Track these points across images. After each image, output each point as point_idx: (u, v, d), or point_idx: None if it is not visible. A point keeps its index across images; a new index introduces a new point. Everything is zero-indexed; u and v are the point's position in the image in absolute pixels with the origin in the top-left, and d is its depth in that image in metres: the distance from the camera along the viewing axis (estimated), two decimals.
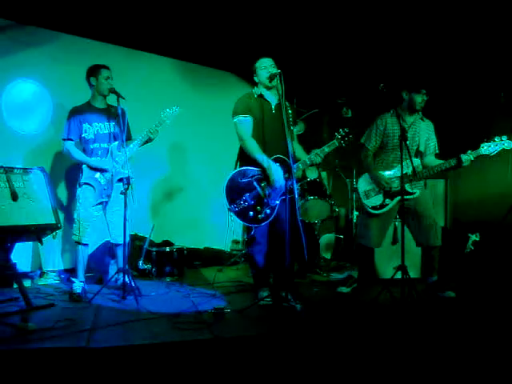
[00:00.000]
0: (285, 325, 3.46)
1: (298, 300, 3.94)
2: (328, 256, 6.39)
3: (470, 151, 4.29)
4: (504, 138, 4.29)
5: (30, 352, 2.85)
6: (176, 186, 6.49)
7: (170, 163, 6.56)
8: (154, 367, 2.90)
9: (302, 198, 5.92)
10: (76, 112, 4.58)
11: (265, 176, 4.07)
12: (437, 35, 5.70)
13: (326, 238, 6.41)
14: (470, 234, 5.56)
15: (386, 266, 5.07)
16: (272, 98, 4.27)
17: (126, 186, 4.24)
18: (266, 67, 4.20)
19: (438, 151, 4.70)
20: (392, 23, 5.67)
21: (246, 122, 4.20)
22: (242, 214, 4.09)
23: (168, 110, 4.66)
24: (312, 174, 6.50)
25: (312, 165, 4.28)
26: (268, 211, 4.07)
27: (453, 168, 4.37)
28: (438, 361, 3.41)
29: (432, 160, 4.62)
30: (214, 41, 6.32)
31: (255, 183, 4.11)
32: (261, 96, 4.27)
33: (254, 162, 4.10)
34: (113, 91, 4.43)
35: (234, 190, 4.11)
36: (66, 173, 5.48)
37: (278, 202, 4.09)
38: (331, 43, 6.34)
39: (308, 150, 6.73)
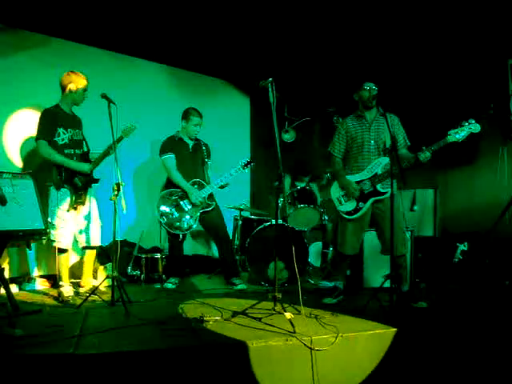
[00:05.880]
0: (274, 332, 3.44)
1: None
2: (317, 264, 6.39)
3: (424, 148, 4.17)
4: (472, 121, 4.11)
5: (17, 358, 2.82)
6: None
7: (158, 169, 6.54)
8: (141, 374, 2.89)
9: (292, 206, 5.94)
10: (51, 114, 4.59)
11: (186, 195, 5.33)
12: (431, 40, 5.77)
13: (316, 246, 6.42)
14: (458, 244, 5.58)
15: (374, 274, 5.08)
16: (189, 141, 5.55)
17: (116, 192, 4.22)
18: (196, 125, 5.45)
19: (409, 143, 4.57)
20: (382, 30, 5.73)
21: (170, 159, 5.43)
22: (169, 225, 5.32)
23: (128, 124, 4.63)
24: (301, 184, 6.54)
25: (222, 187, 5.41)
26: (191, 222, 5.32)
27: (416, 165, 4.25)
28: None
29: (405, 153, 4.47)
30: (204, 47, 6.34)
31: (179, 200, 5.36)
32: (180, 139, 5.52)
33: (178, 186, 5.37)
34: (104, 96, 4.37)
35: (164, 206, 5.35)
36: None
37: (198, 214, 5.33)
38: (322, 51, 6.38)
39: (299, 158, 6.80)
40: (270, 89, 4.01)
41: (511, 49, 5.44)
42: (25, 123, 5.31)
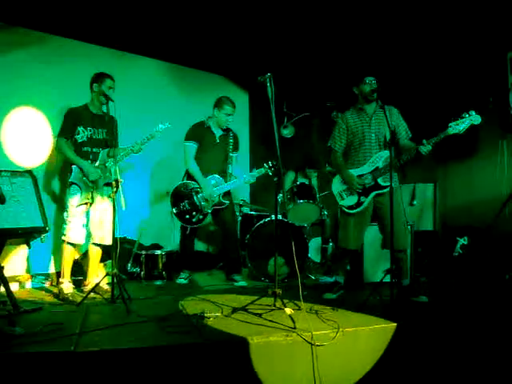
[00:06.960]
0: (275, 328, 3.44)
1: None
2: (317, 259, 6.39)
3: (425, 140, 4.15)
4: (472, 112, 4.09)
5: (17, 356, 2.82)
6: (165, 190, 6.48)
7: (158, 166, 6.54)
8: (142, 371, 2.89)
9: (291, 202, 5.92)
10: (73, 113, 4.67)
11: (201, 190, 5.29)
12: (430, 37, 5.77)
13: (316, 242, 6.41)
14: (458, 238, 5.57)
15: (375, 270, 5.07)
16: (218, 130, 5.44)
17: (115, 189, 4.23)
18: (228, 115, 5.32)
19: (410, 135, 4.55)
20: (381, 24, 5.72)
21: (191, 147, 5.35)
22: (180, 216, 5.30)
23: (161, 125, 4.76)
24: (303, 179, 6.52)
25: (246, 183, 5.49)
26: (201, 217, 5.28)
27: (416, 158, 4.24)
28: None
29: (407, 143, 4.46)
30: (202, 43, 6.33)
31: (193, 194, 5.30)
32: (209, 127, 5.40)
33: (193, 177, 5.33)
34: (102, 93, 4.47)
35: (177, 197, 5.32)
36: (58, 173, 5.48)
37: (209, 211, 5.31)
38: (321, 46, 6.36)
39: (297, 153, 6.79)
40: (268, 84, 3.99)
41: (510, 42, 5.42)
42: (23, 121, 5.30)
